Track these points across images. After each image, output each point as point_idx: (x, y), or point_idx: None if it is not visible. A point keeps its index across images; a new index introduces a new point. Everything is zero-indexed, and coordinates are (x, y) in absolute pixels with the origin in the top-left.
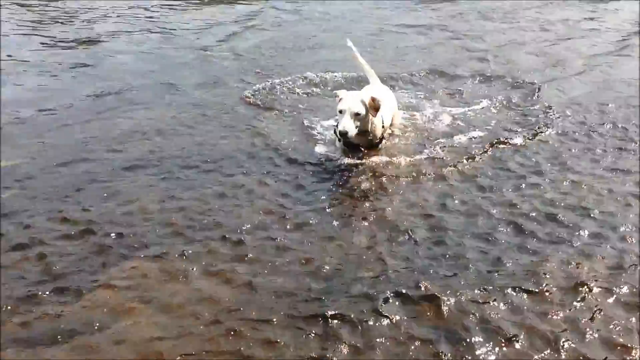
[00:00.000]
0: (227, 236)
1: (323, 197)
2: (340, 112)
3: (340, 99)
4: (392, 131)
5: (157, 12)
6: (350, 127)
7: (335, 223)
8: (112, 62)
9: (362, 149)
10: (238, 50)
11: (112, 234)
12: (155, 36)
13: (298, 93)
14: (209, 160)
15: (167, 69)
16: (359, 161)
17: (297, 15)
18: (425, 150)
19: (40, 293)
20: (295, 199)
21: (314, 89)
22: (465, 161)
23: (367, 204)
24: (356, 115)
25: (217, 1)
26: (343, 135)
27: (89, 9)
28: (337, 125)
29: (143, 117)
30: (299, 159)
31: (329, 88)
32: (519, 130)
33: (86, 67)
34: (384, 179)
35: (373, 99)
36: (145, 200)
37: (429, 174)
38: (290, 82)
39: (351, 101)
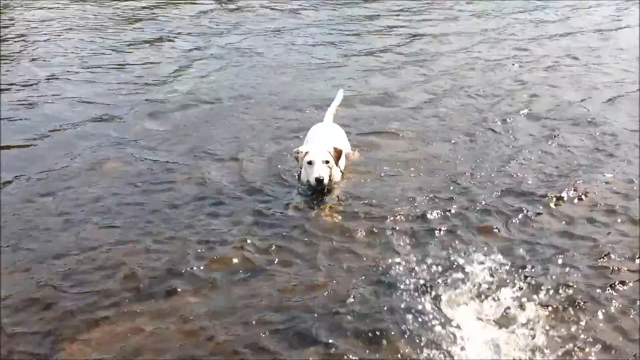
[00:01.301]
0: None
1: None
2: (310, 162)
3: (306, 152)
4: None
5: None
6: (325, 174)
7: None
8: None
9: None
10: (180, 90)
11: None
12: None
13: (237, 137)
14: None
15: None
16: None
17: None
18: None
19: None
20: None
21: (253, 132)
22: None
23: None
24: (326, 163)
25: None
26: (319, 182)
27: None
28: (299, 176)
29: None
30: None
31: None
32: None
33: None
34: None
35: (335, 150)
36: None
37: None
38: (229, 126)
39: (319, 152)
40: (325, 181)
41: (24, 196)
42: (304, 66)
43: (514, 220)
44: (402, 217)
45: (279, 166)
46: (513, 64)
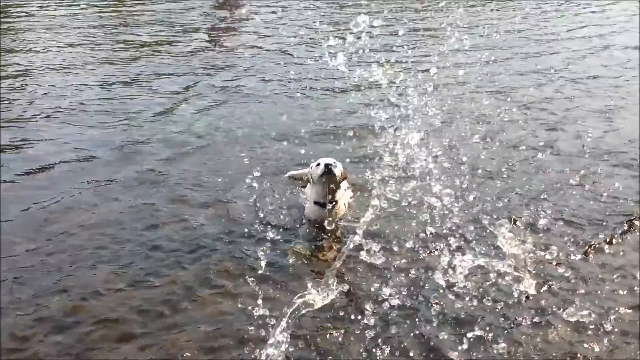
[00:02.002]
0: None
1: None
2: (318, 164)
3: (311, 167)
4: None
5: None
6: (333, 162)
7: None
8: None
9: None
10: (167, 130)
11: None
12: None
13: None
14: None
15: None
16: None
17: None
18: None
19: None
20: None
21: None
22: None
23: None
24: (333, 165)
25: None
26: (328, 167)
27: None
28: (306, 199)
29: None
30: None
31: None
32: None
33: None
34: None
35: (342, 172)
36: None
37: None
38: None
39: (325, 158)
40: (336, 171)
41: (7, 239)
42: (295, 105)
43: (535, 269)
44: (407, 264)
45: (269, 207)
46: (528, 100)
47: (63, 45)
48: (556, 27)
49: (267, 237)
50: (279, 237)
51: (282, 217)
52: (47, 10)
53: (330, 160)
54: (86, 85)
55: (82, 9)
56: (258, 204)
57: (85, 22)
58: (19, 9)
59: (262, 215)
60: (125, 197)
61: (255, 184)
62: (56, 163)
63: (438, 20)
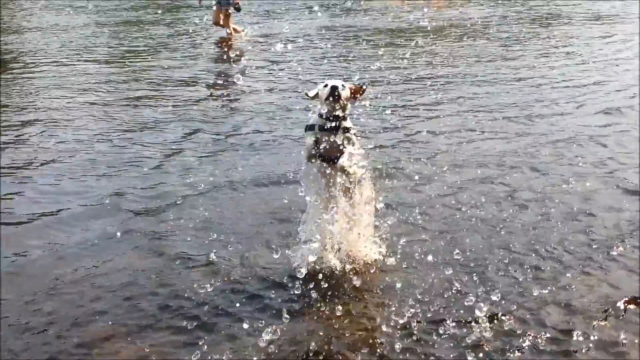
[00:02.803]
0: None
1: None
2: (326, 85)
3: (318, 88)
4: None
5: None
6: (341, 85)
7: None
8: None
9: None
10: (154, 184)
11: None
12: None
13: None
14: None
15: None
16: None
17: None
18: None
19: None
20: None
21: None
22: None
23: None
24: (342, 86)
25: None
26: (334, 89)
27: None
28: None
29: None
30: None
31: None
32: None
33: None
34: None
35: (353, 88)
36: None
37: None
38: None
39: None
40: (343, 93)
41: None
42: (293, 154)
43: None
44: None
45: (263, 262)
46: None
47: (69, 99)
48: (560, 82)
49: (259, 295)
50: (272, 295)
51: (274, 273)
52: (55, 65)
53: (337, 83)
54: (89, 139)
55: (89, 63)
56: (251, 260)
57: (94, 77)
58: (28, 64)
59: (255, 271)
60: (117, 250)
61: (250, 238)
62: (49, 215)
63: (446, 71)
